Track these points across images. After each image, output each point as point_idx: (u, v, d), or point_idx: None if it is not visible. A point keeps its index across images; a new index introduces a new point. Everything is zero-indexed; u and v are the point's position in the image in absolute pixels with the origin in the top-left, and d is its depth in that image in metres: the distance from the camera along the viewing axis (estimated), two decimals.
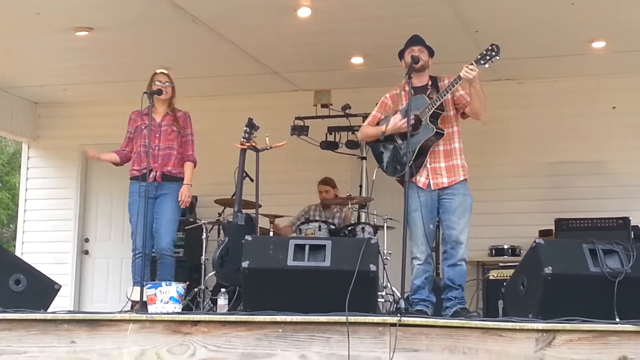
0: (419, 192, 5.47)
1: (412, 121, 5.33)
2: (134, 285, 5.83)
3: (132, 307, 5.51)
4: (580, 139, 8.49)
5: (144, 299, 4.98)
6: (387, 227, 7.20)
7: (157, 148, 6.34)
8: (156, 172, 6.31)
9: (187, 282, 5.84)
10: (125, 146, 6.56)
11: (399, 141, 5.58)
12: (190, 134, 6.54)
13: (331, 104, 8.74)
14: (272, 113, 8.51)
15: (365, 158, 8.25)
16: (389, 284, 6.73)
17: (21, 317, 4.66)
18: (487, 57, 5.33)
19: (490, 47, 5.35)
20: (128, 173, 6.49)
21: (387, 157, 5.70)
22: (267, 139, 6.63)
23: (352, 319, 4.26)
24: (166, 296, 4.86)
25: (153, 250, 6.30)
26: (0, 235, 21.11)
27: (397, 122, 5.50)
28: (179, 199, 6.38)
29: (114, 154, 6.57)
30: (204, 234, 7.54)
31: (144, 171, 6.10)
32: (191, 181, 6.46)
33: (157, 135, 6.37)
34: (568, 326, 4.09)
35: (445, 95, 5.46)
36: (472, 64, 5.32)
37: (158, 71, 6.62)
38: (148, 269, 6.07)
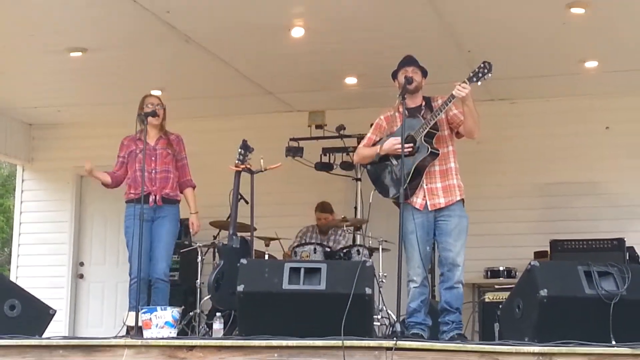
0: (415, 214, 5.43)
1: (408, 150, 5.31)
2: (129, 310, 5.79)
3: (127, 332, 5.48)
4: (574, 158, 8.49)
5: (139, 323, 4.96)
6: (382, 249, 7.15)
7: (154, 171, 6.32)
8: (155, 195, 6.29)
9: (183, 307, 5.79)
10: (118, 169, 6.50)
11: (394, 162, 5.56)
12: (185, 157, 6.55)
13: (325, 125, 8.74)
14: (266, 134, 8.50)
15: (360, 179, 8.23)
16: (384, 307, 6.69)
17: (16, 343, 4.65)
18: (480, 75, 5.32)
19: (482, 65, 5.34)
20: (124, 196, 6.45)
21: (383, 178, 5.67)
22: (261, 160, 6.62)
23: (348, 343, 4.26)
24: (161, 321, 4.86)
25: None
26: None
27: (393, 143, 5.49)
28: (191, 230, 6.49)
29: (106, 174, 6.52)
30: (199, 257, 7.47)
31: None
32: (197, 208, 6.49)
33: (153, 158, 6.35)
34: (564, 349, 4.09)
35: (439, 114, 5.44)
36: (464, 82, 5.31)
37: (149, 94, 6.61)
38: (145, 294, 6.05)
